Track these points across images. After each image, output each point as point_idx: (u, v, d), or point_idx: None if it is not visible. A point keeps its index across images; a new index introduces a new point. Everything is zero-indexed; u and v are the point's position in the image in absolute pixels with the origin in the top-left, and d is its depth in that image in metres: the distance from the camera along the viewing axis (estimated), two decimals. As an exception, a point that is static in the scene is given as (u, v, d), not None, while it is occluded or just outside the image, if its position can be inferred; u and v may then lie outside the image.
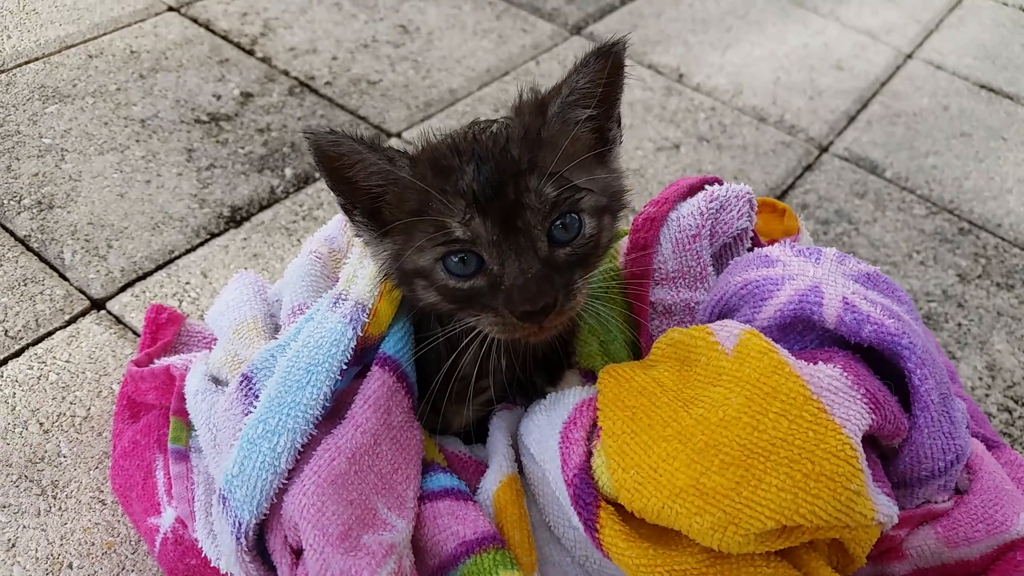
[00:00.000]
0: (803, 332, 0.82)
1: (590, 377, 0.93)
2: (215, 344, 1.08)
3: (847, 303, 0.79)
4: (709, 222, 0.94)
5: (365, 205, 0.84)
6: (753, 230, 0.98)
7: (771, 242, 1.12)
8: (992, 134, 2.00)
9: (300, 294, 1.03)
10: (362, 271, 0.95)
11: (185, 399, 0.99)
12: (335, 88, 1.83)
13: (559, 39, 2.11)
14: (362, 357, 0.90)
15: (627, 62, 0.82)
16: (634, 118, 1.88)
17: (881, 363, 0.80)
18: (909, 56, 2.26)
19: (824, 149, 1.89)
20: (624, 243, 0.98)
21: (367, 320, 0.90)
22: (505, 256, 0.79)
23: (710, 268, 0.93)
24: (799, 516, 0.68)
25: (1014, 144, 1.97)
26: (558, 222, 0.79)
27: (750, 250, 1.00)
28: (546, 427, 0.84)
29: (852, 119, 2.00)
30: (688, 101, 1.96)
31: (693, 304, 0.93)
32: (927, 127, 2.01)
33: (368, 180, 0.82)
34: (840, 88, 2.10)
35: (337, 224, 1.12)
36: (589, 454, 0.80)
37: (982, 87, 2.18)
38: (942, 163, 1.90)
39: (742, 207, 0.95)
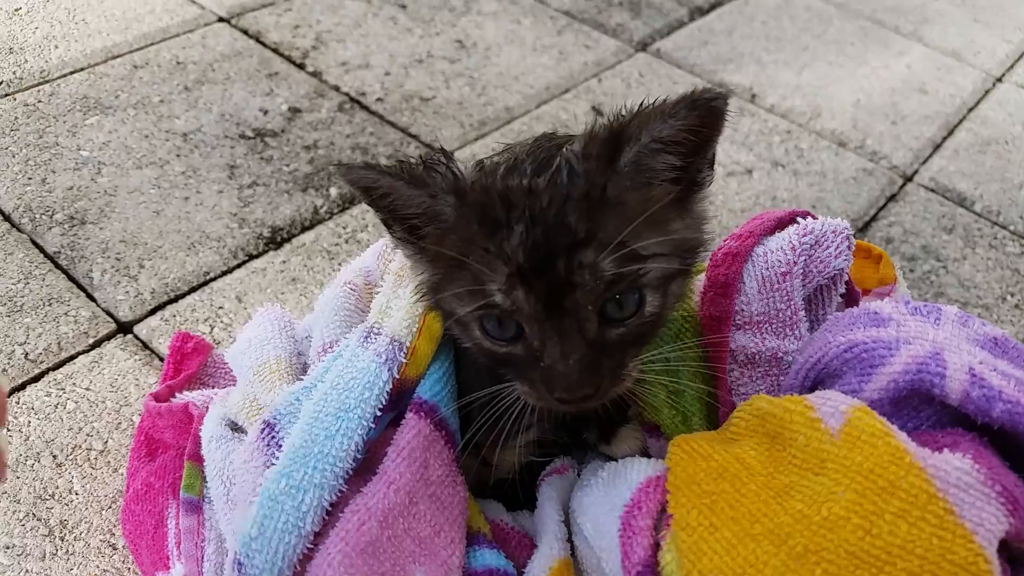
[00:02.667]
0: (919, 408, 0.68)
1: (653, 433, 0.81)
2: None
3: (974, 375, 0.65)
4: (802, 259, 0.81)
5: (407, 225, 0.74)
6: (848, 276, 0.85)
7: (865, 292, 0.99)
8: (1094, 166, 1.83)
9: (332, 330, 0.92)
10: (396, 301, 0.84)
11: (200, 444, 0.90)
12: (386, 104, 1.73)
13: (623, 56, 1.99)
14: (397, 402, 0.80)
15: (730, 107, 0.67)
16: (703, 142, 1.76)
17: (1007, 446, 0.66)
18: (999, 79, 2.10)
19: (908, 178, 1.74)
20: (701, 280, 0.86)
21: (404, 360, 0.79)
22: (547, 335, 0.68)
23: (801, 313, 0.80)
24: (920, 642, 0.55)
25: (1121, 179, 1.80)
26: (614, 299, 0.68)
27: (843, 297, 0.87)
28: (604, 507, 0.71)
29: (938, 146, 1.85)
30: (762, 123, 1.83)
31: (780, 355, 0.80)
32: (1020, 156, 1.85)
33: (408, 210, 0.71)
34: (924, 113, 1.95)
35: (374, 254, 1.01)
36: (656, 547, 0.67)
37: (1081, 114, 2.01)
38: (1037, 197, 1.74)
39: (840, 244, 0.82)
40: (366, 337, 0.82)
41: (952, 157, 1.82)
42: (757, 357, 0.80)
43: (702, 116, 0.65)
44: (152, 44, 1.80)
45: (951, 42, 2.22)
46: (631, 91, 1.87)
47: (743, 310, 0.81)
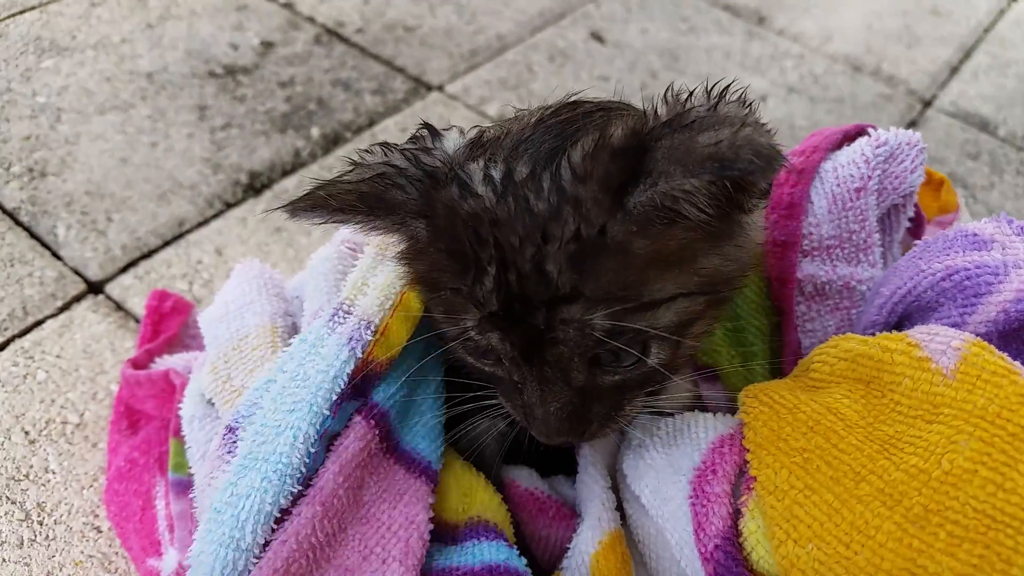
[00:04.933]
0: (1031, 342, 0.58)
1: (708, 378, 0.71)
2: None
3: (1102, 302, 0.56)
4: (877, 173, 0.70)
5: None
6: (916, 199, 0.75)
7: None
8: (1120, 84, 1.74)
9: (324, 296, 0.78)
10: (374, 278, 0.71)
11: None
12: (367, 36, 1.60)
13: (619, -21, 1.86)
14: (364, 389, 0.68)
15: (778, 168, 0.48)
16: (712, 66, 1.64)
17: None
18: (1014, -2, 1.99)
19: (928, 103, 1.64)
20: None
21: (371, 339, 0.66)
22: (526, 379, 0.58)
23: (876, 236, 0.70)
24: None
25: None
26: (605, 351, 0.56)
27: (912, 220, 0.77)
28: (666, 471, 0.61)
29: (955, 70, 1.75)
30: (772, 47, 1.71)
31: (853, 284, 0.69)
32: (1043, 78, 1.75)
33: (378, 229, 0.60)
34: (939, 35, 1.84)
35: None
36: (736, 514, 0.57)
37: (1101, 30, 1.91)
38: (1064, 119, 1.65)
39: (916, 158, 0.71)
40: (333, 316, 0.69)
41: (971, 81, 1.72)
42: (827, 287, 0.70)
43: (739, 179, 0.50)
44: (109, -21, 1.65)
45: (962, -42, 2.11)
46: (631, 15, 1.75)
47: (811, 233, 0.70)
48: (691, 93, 0.54)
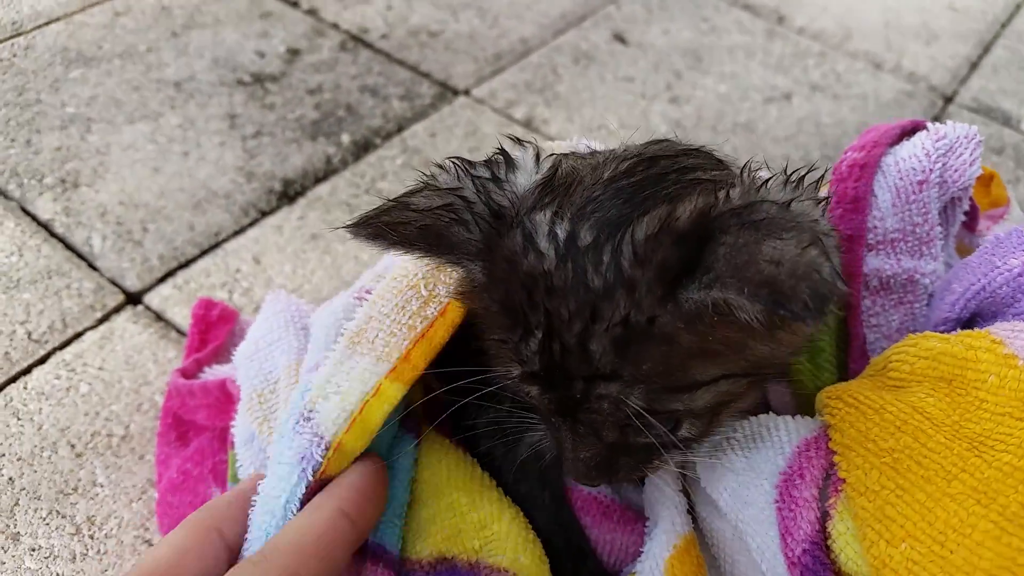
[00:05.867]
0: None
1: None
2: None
3: None
4: (938, 166, 0.70)
5: None
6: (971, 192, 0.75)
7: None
8: None
9: (321, 353, 0.74)
10: (341, 378, 0.65)
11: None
12: (392, 41, 1.60)
13: (638, -19, 1.86)
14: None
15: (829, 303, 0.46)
16: (735, 65, 1.64)
17: None
18: (1032, -8, 2.00)
19: (949, 99, 1.64)
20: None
21: (322, 458, 0.62)
22: (561, 431, 0.59)
23: (939, 228, 0.69)
24: None
25: None
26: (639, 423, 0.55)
27: (966, 214, 0.77)
28: (746, 474, 0.60)
29: (975, 65, 1.75)
30: (793, 46, 1.71)
31: (916, 277, 0.69)
32: (1063, 72, 1.75)
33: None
34: (957, 31, 1.84)
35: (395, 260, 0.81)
36: (823, 517, 0.57)
37: (1118, 24, 1.91)
38: (1085, 114, 1.65)
39: (974, 151, 0.71)
40: (297, 421, 0.65)
41: (991, 76, 1.72)
42: (892, 281, 0.70)
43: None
44: (133, -12, 1.65)
45: (976, -46, 2.11)
46: (652, 16, 1.75)
47: (876, 227, 0.70)
48: (768, 180, 0.54)
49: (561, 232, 0.54)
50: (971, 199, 0.77)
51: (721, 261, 0.48)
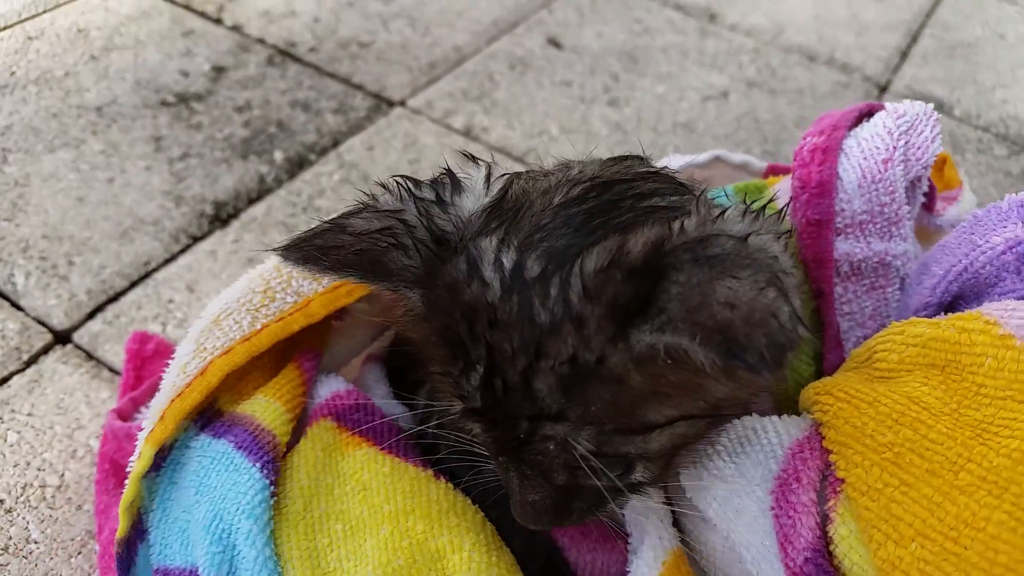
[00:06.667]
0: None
1: None
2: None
3: None
4: (901, 143, 0.69)
5: None
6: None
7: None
8: (1061, 60, 1.78)
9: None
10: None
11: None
12: (321, 54, 1.55)
13: (569, -16, 1.84)
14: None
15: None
16: (671, 65, 1.63)
17: None
18: (952, -19, 2.03)
19: (884, 88, 1.66)
20: (784, 185, 0.73)
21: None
22: (507, 470, 0.56)
23: (906, 208, 0.68)
24: None
25: (1088, 69, 1.76)
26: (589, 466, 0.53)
27: (926, 195, 0.76)
28: (737, 481, 0.57)
29: (905, 54, 1.77)
30: (727, 43, 1.71)
31: (888, 259, 0.68)
32: (987, 58, 1.78)
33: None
34: (885, 21, 1.86)
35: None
36: (823, 521, 0.54)
37: (1035, 10, 1.96)
38: (1012, 96, 1.68)
39: (934, 128, 0.71)
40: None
41: (922, 64, 1.75)
42: (863, 265, 0.68)
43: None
44: (45, 11, 1.56)
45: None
46: (584, 19, 1.73)
47: (844, 210, 0.68)
48: (725, 211, 0.52)
49: (507, 261, 0.51)
50: (929, 179, 0.76)
51: (673, 302, 0.46)
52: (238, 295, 0.73)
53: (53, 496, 0.89)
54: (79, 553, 0.85)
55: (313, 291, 0.73)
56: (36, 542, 0.85)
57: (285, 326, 0.70)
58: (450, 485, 0.67)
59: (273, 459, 0.66)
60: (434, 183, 0.58)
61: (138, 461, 0.67)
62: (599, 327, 0.48)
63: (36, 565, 0.83)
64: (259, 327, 0.70)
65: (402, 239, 0.54)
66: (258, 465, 0.65)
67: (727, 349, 0.43)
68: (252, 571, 0.61)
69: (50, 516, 0.87)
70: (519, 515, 0.57)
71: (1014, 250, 0.59)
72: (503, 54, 1.61)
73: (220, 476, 0.65)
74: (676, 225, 0.49)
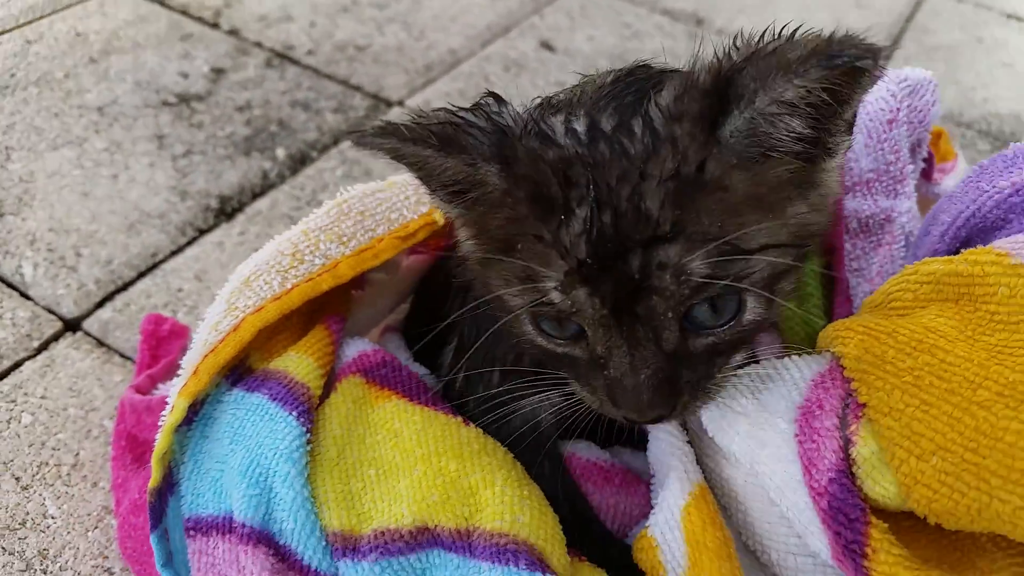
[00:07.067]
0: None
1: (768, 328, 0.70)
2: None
3: None
4: (904, 104, 0.72)
5: (448, 188, 0.59)
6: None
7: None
8: (1035, 62, 1.84)
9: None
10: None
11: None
12: (319, 57, 1.57)
13: (560, -10, 1.88)
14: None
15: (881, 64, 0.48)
16: (662, 66, 1.66)
17: None
18: (929, -12, 2.10)
19: (866, 89, 1.70)
20: None
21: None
22: (614, 343, 0.55)
23: (910, 167, 0.72)
24: None
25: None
26: (703, 305, 0.54)
27: (925, 161, 0.80)
28: (760, 415, 0.59)
29: (887, 58, 1.82)
30: (715, 47, 1.75)
31: (894, 216, 0.71)
32: (966, 60, 1.84)
33: (444, 176, 0.57)
34: (867, 25, 1.87)
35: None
36: (845, 445, 0.56)
37: (1009, 16, 2.02)
38: (992, 95, 1.73)
39: (934, 92, 0.75)
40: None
41: (903, 66, 1.79)
42: (870, 221, 0.71)
43: (842, 75, 0.49)
44: (43, 16, 1.58)
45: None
46: (575, 24, 1.77)
47: (852, 168, 0.72)
48: (763, 34, 0.54)
49: (580, 126, 0.54)
50: (928, 148, 0.79)
51: (754, 82, 0.49)
52: (267, 258, 0.74)
53: (69, 474, 0.89)
54: (96, 527, 0.85)
55: (340, 254, 0.74)
56: (52, 517, 0.85)
57: (315, 286, 0.72)
58: (479, 429, 0.68)
59: (308, 409, 0.67)
60: (475, 106, 0.59)
61: (171, 414, 0.68)
62: (692, 137, 0.51)
63: (53, 538, 0.83)
64: (289, 287, 0.71)
65: (468, 130, 0.55)
66: (294, 414, 0.66)
67: (824, 60, 0.46)
68: (290, 510, 0.62)
69: (66, 493, 0.87)
70: (631, 405, 0.56)
71: (1021, 192, 0.62)
72: (498, 56, 1.64)
73: (256, 426, 0.66)
74: (724, 57, 0.53)
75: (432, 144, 0.53)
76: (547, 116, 0.56)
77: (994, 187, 0.63)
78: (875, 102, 0.73)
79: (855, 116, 0.58)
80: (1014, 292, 0.54)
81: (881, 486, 0.53)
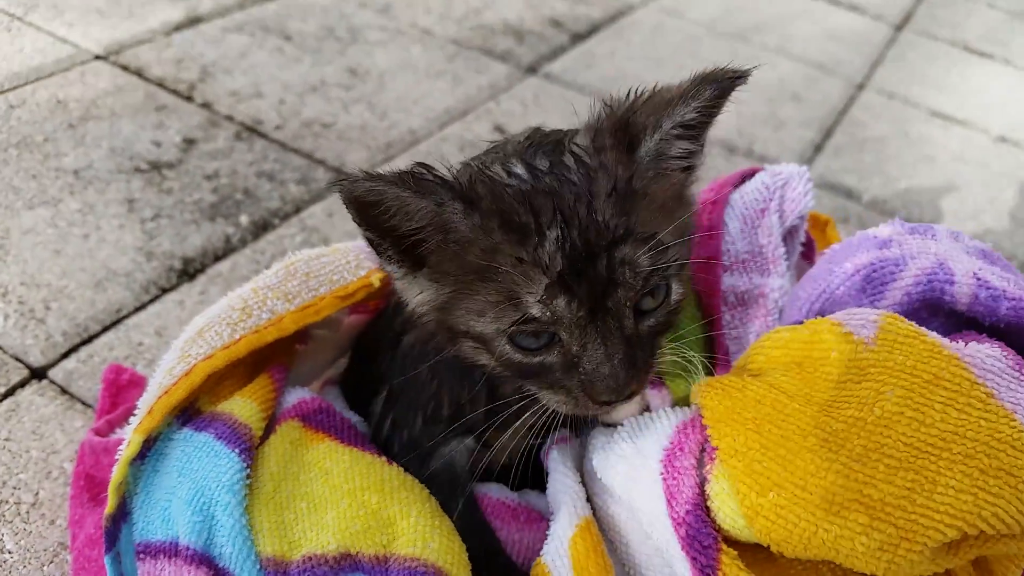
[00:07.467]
0: (927, 320, 0.71)
1: (658, 387, 0.80)
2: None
3: (979, 278, 0.69)
4: (776, 195, 0.85)
5: (402, 245, 0.68)
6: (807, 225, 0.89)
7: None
8: (954, 157, 1.99)
9: None
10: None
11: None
12: (286, 132, 1.69)
13: (515, 80, 2.02)
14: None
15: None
16: (607, 151, 1.79)
17: (1011, 346, 0.69)
18: (860, 87, 2.26)
19: (797, 177, 1.84)
20: None
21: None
22: (588, 339, 0.66)
23: (782, 250, 0.83)
24: (981, 520, 0.56)
25: (975, 167, 1.97)
26: (647, 293, 0.68)
27: (804, 245, 0.91)
28: (635, 458, 0.70)
29: (819, 148, 1.97)
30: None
31: (767, 291, 0.82)
32: (892, 152, 1.99)
33: (409, 224, 0.66)
34: (801, 119, 2.07)
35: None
36: (702, 483, 0.66)
37: (933, 114, 2.18)
38: (914, 185, 1.88)
39: (806, 185, 0.87)
40: None
41: (834, 156, 1.94)
42: (746, 296, 0.82)
43: (720, 96, 0.66)
44: (27, 83, 1.68)
45: (812, 56, 2.38)
46: (528, 111, 1.90)
47: (729, 250, 0.83)
48: (627, 92, 0.69)
49: (519, 170, 0.66)
50: (808, 234, 0.90)
51: (651, 116, 0.66)
52: (219, 312, 0.83)
53: (28, 512, 0.95)
54: (52, 562, 0.91)
55: (286, 310, 0.83)
56: (10, 552, 0.91)
57: (260, 337, 0.81)
58: (401, 468, 0.77)
59: (250, 447, 0.75)
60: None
61: (127, 448, 0.75)
62: (618, 161, 0.66)
63: (10, 573, 0.89)
64: (238, 337, 0.80)
65: (427, 178, 0.64)
66: (237, 451, 0.74)
67: (715, 84, 0.64)
68: (229, 536, 0.70)
69: (24, 530, 0.93)
70: (610, 386, 0.66)
71: (860, 272, 0.74)
72: (454, 137, 1.76)
73: (202, 461, 0.74)
74: (609, 108, 0.69)
75: (410, 186, 0.63)
76: (487, 166, 0.68)
77: (841, 268, 0.75)
78: (750, 193, 0.85)
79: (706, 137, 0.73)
80: (843, 356, 0.65)
81: (731, 518, 0.63)
